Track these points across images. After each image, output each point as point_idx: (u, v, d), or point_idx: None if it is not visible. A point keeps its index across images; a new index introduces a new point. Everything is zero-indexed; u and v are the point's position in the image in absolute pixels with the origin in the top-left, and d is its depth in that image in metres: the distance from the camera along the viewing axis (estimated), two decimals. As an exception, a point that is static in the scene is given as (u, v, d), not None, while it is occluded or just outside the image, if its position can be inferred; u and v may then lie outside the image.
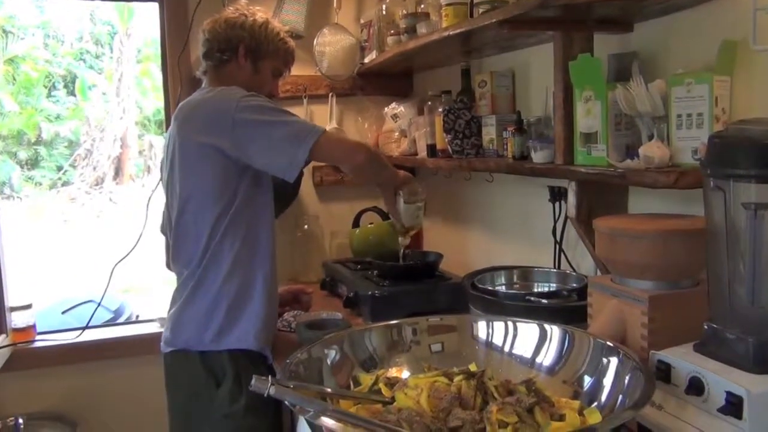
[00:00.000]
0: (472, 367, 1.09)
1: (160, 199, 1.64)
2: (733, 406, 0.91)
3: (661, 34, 1.43)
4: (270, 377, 0.88)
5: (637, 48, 1.47)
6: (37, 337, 2.35)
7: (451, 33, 1.70)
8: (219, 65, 1.69)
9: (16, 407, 2.26)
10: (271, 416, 1.62)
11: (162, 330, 1.69)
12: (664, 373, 1.02)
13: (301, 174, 2.58)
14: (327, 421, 0.82)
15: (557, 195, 1.78)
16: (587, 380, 1.04)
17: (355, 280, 2.06)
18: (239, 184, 1.55)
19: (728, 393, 0.92)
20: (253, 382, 0.88)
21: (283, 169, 1.50)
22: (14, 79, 9.48)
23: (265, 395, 0.87)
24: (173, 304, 1.64)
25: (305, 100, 2.63)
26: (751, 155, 0.94)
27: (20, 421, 2.19)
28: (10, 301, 2.28)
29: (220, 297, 1.56)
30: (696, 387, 0.96)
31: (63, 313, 2.87)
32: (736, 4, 1.22)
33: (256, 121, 1.49)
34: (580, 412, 0.96)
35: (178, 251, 1.62)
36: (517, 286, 1.71)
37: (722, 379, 0.93)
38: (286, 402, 0.88)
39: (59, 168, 10.07)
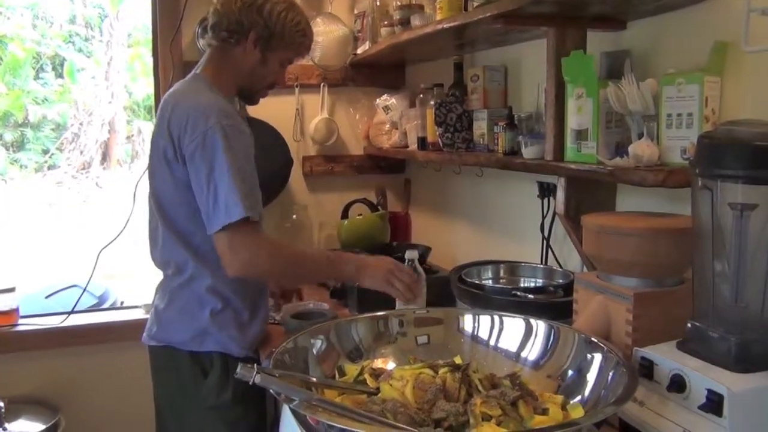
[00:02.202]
0: (458, 360, 1.09)
1: (147, 185, 1.62)
2: (713, 404, 0.92)
3: (653, 33, 1.43)
4: (255, 365, 0.88)
5: (629, 46, 1.47)
6: (20, 321, 2.33)
7: (444, 26, 1.69)
8: (224, 46, 1.55)
9: (-1, 391, 2.25)
10: (259, 407, 1.61)
11: (147, 316, 1.67)
12: (646, 370, 1.03)
13: (290, 167, 2.59)
14: (311, 411, 0.82)
15: (546, 191, 1.79)
16: (571, 375, 1.04)
17: (342, 270, 2.06)
18: None
19: (709, 391, 0.93)
20: (238, 370, 0.88)
21: (204, 216, 1.42)
22: (1, 59, 9.36)
23: (251, 383, 0.87)
24: (158, 298, 1.61)
25: (297, 90, 2.62)
26: (738, 156, 0.95)
27: (1, 404, 2.17)
28: (-7, 284, 2.27)
29: (204, 302, 1.52)
30: (678, 384, 0.98)
31: (47, 297, 2.84)
32: (728, 5, 1.22)
33: (206, 161, 1.40)
34: (563, 407, 0.97)
35: (161, 250, 1.56)
36: (504, 280, 1.72)
37: (704, 377, 0.94)
38: (271, 390, 0.88)
39: (45, 151, 9.96)
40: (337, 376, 1.09)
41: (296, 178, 2.68)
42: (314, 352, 1.09)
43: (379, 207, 2.61)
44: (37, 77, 9.78)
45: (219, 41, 1.54)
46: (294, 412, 0.89)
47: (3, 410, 2.17)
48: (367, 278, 1.52)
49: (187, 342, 1.53)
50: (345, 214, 2.55)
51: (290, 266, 1.52)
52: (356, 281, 1.62)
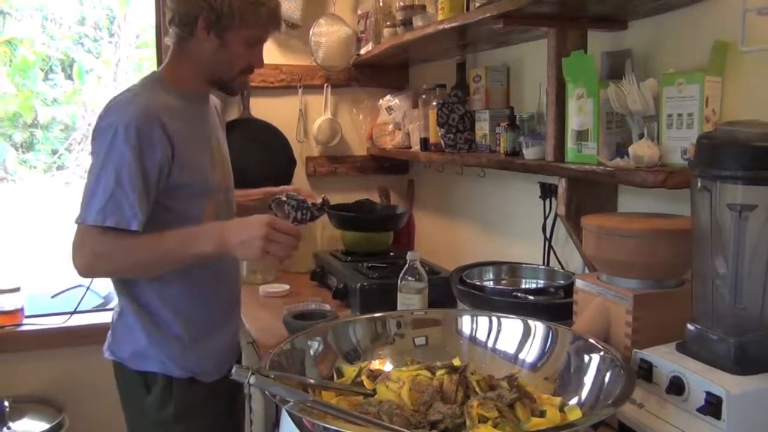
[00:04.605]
0: (456, 362, 1.09)
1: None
2: (712, 407, 0.91)
3: (654, 33, 1.42)
4: (250, 367, 0.88)
5: (630, 46, 1.47)
6: (25, 321, 2.35)
7: (446, 26, 1.69)
8: (181, 41, 1.44)
9: (2, 390, 2.26)
10: (204, 425, 1.52)
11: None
12: (645, 371, 1.02)
13: (293, 167, 2.59)
14: (306, 413, 0.82)
15: (548, 192, 1.78)
16: (568, 377, 1.04)
17: (345, 271, 2.06)
18: None
19: (708, 393, 0.92)
20: (233, 370, 0.88)
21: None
22: (11, 61, 9.41)
23: (246, 383, 0.87)
24: (115, 308, 1.55)
25: (300, 90, 2.62)
26: (738, 157, 0.94)
27: (6, 403, 2.19)
28: (-2, 284, 2.28)
29: (143, 321, 1.45)
30: (677, 386, 0.97)
31: (53, 297, 2.86)
32: (729, 5, 1.21)
33: (93, 156, 1.36)
34: (561, 409, 0.97)
35: None
36: (505, 281, 1.72)
37: (703, 379, 0.94)
38: (267, 392, 0.88)
39: (54, 152, 10.01)
40: (335, 377, 1.09)
41: (300, 178, 2.68)
42: (311, 353, 1.09)
43: (382, 207, 2.61)
44: (46, 79, 9.84)
45: (176, 37, 1.44)
46: (290, 414, 0.88)
47: (8, 409, 2.19)
48: (238, 250, 1.33)
49: (130, 359, 1.48)
50: (348, 215, 2.55)
51: (131, 271, 1.40)
52: (227, 256, 1.39)
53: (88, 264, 1.33)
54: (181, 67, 1.47)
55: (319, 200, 1.62)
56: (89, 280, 2.46)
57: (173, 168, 1.38)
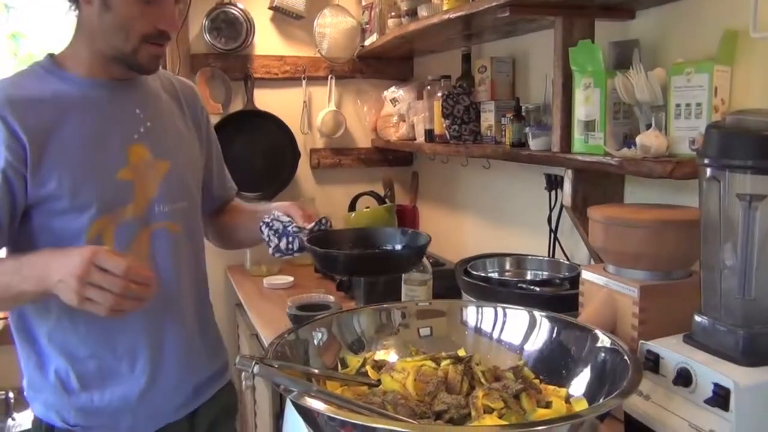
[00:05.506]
0: (461, 353, 1.08)
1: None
2: (720, 398, 0.90)
3: (662, 23, 1.41)
4: (255, 356, 0.87)
5: (638, 36, 1.45)
6: (30, 312, 2.34)
7: (451, 16, 1.68)
8: (77, 19, 1.20)
9: (6, 381, 2.26)
10: None
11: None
12: (652, 363, 1.01)
13: (297, 159, 2.58)
14: (310, 402, 0.81)
15: (554, 183, 1.77)
16: (574, 368, 1.03)
17: (348, 263, 2.05)
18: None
19: (716, 384, 0.91)
20: (237, 360, 0.88)
21: None
22: (16, 55, 9.42)
23: (250, 373, 0.86)
24: None
25: (304, 82, 2.61)
26: (748, 146, 0.93)
27: (11, 395, 2.20)
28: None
29: (28, 351, 1.23)
30: (684, 378, 0.96)
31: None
32: (739, -7, 1.20)
33: None
34: (567, 400, 0.96)
35: None
36: (510, 273, 1.71)
37: (710, 370, 0.93)
38: (271, 382, 0.87)
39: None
40: (339, 367, 1.08)
41: (304, 170, 2.68)
42: (315, 343, 1.08)
43: (386, 200, 2.60)
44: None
45: (73, 14, 1.20)
46: (294, 403, 0.88)
47: (12, 400, 2.19)
48: (60, 292, 1.01)
49: (26, 389, 1.27)
50: (352, 207, 2.54)
51: None
52: (52, 296, 1.04)
53: None
54: (75, 47, 1.21)
55: (310, 225, 1.26)
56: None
57: (34, 174, 1.11)
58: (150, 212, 1.23)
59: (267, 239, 1.27)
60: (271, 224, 1.27)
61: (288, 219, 1.27)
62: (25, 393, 1.28)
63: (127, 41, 1.16)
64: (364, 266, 1.28)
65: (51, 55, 1.22)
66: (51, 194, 1.13)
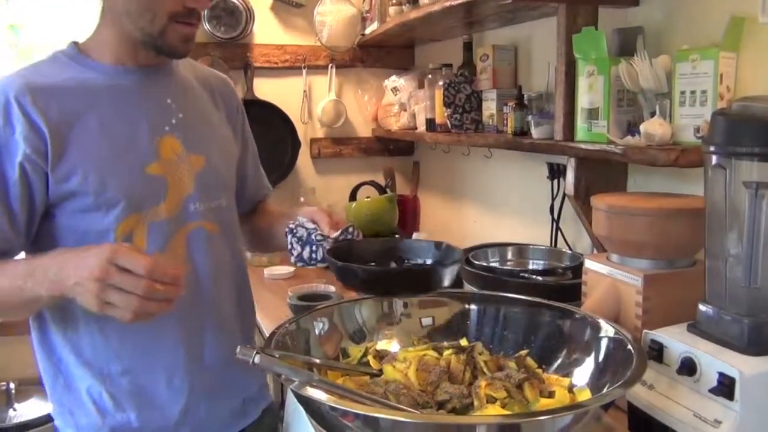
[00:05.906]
0: (463, 342, 1.07)
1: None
2: (725, 387, 0.89)
3: (667, 9, 1.39)
4: (256, 346, 0.86)
5: (642, 23, 1.43)
6: (30, 303, 2.34)
7: (453, 3, 1.66)
8: (101, 5, 1.12)
9: (9, 372, 2.26)
10: None
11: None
12: (656, 352, 1.01)
13: (297, 149, 2.57)
14: (312, 392, 0.80)
15: (556, 172, 1.76)
16: (578, 358, 1.02)
17: (349, 253, 2.04)
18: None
19: (720, 374, 0.90)
20: (238, 350, 0.87)
21: None
22: (16, 46, 9.39)
23: (250, 364, 0.85)
24: None
25: (304, 71, 2.59)
26: (754, 133, 0.92)
27: (12, 386, 2.20)
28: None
29: (56, 364, 1.15)
30: (688, 367, 0.95)
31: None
32: (746, -22, 1.18)
33: None
34: (570, 389, 0.95)
35: None
36: (512, 263, 1.70)
37: (715, 359, 0.92)
38: (272, 371, 0.87)
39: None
40: (340, 357, 1.07)
41: (304, 160, 2.66)
42: (317, 333, 1.07)
43: (387, 189, 2.59)
44: (49, 63, 9.80)
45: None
46: (296, 393, 0.87)
47: (13, 391, 2.19)
48: (77, 295, 0.93)
49: (55, 413, 1.17)
50: (353, 197, 2.53)
51: None
52: (69, 302, 0.97)
53: None
54: (100, 33, 1.13)
55: (334, 233, 1.19)
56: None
57: (55, 168, 1.03)
58: (185, 211, 1.13)
59: (290, 246, 1.21)
60: (295, 231, 1.20)
61: (313, 226, 1.20)
62: (55, 422, 1.16)
63: (154, 21, 1.06)
64: (386, 282, 1.15)
65: (75, 43, 1.14)
66: (74, 191, 1.04)
